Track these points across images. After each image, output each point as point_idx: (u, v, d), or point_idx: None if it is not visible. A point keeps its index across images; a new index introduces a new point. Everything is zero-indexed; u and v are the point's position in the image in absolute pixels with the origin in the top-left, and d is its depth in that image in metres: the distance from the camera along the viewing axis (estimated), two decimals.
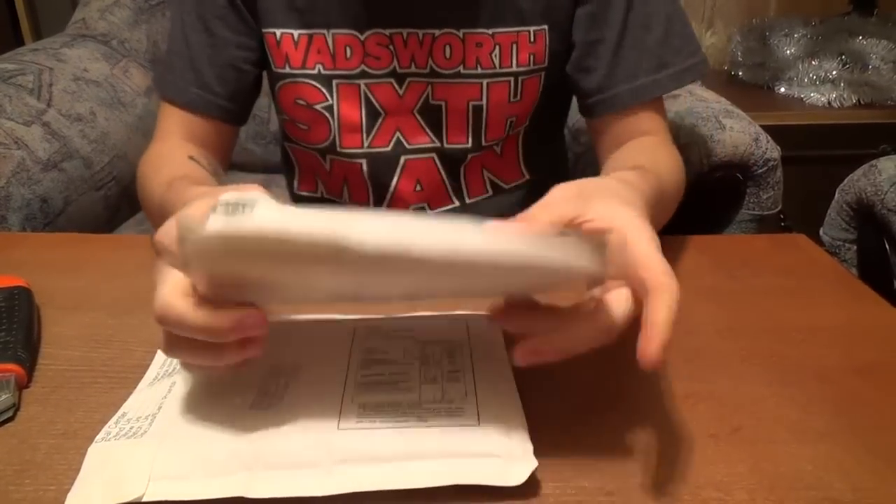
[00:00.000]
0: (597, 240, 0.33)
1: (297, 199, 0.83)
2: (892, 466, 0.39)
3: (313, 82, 0.69)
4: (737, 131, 0.81)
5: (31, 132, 0.94)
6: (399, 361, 0.45)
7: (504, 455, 0.37)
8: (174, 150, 0.68)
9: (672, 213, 0.62)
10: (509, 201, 0.77)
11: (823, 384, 0.46)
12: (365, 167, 0.73)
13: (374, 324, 0.49)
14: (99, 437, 0.39)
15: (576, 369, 0.41)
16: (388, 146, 0.72)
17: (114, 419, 0.40)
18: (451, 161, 0.73)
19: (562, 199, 0.40)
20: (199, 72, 0.68)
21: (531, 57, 0.68)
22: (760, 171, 0.79)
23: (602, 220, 0.38)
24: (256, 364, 0.39)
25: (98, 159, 1.04)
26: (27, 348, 0.46)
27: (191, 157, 0.65)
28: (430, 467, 0.37)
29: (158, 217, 0.58)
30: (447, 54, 0.67)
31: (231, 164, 1.46)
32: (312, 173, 0.77)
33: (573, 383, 0.45)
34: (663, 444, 0.40)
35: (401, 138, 0.72)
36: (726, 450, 0.40)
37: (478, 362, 0.45)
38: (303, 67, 0.68)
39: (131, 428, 0.39)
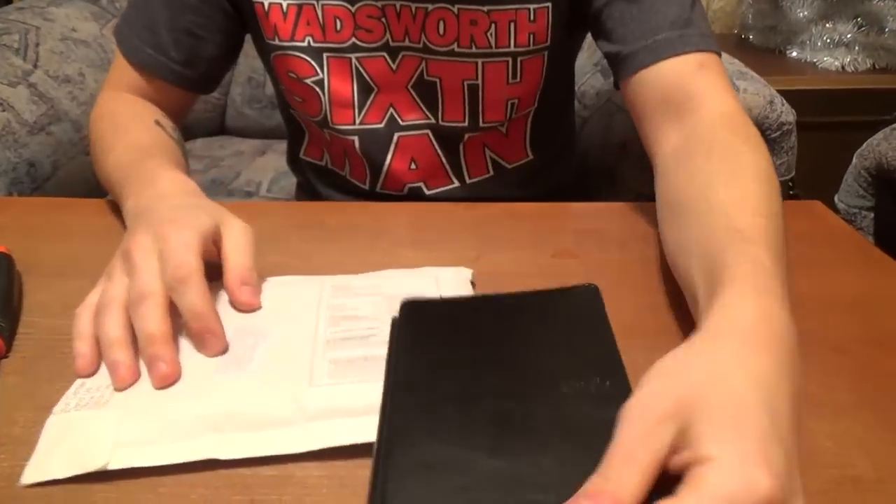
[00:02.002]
0: None
1: (301, 165, 0.80)
2: None
3: (303, 55, 0.65)
4: (751, 93, 0.78)
5: (17, 93, 0.91)
6: (369, 317, 0.44)
7: None
8: (137, 109, 0.65)
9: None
10: (511, 181, 0.74)
11: (841, 356, 0.44)
12: (357, 144, 0.70)
13: (342, 282, 0.48)
14: (57, 408, 0.37)
15: None
16: (381, 122, 0.69)
17: (72, 389, 0.39)
18: (448, 139, 0.70)
19: (653, 436, 0.28)
20: (155, 33, 0.64)
21: (531, 37, 0.63)
22: (774, 135, 0.76)
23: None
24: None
25: (88, 123, 1.00)
26: (6, 316, 0.44)
27: (157, 122, 0.63)
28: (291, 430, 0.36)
29: (118, 184, 0.56)
30: (440, 31, 0.63)
31: (230, 130, 1.44)
32: (319, 141, 0.74)
33: None
34: None
35: (394, 114, 0.69)
36: None
37: None
38: (292, 39, 0.65)
39: (91, 397, 0.38)
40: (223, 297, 0.45)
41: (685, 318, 0.46)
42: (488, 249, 0.56)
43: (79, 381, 0.39)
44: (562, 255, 0.56)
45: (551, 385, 0.34)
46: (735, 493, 0.26)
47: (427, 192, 0.73)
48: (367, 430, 0.35)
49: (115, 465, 0.34)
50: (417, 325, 0.40)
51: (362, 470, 0.35)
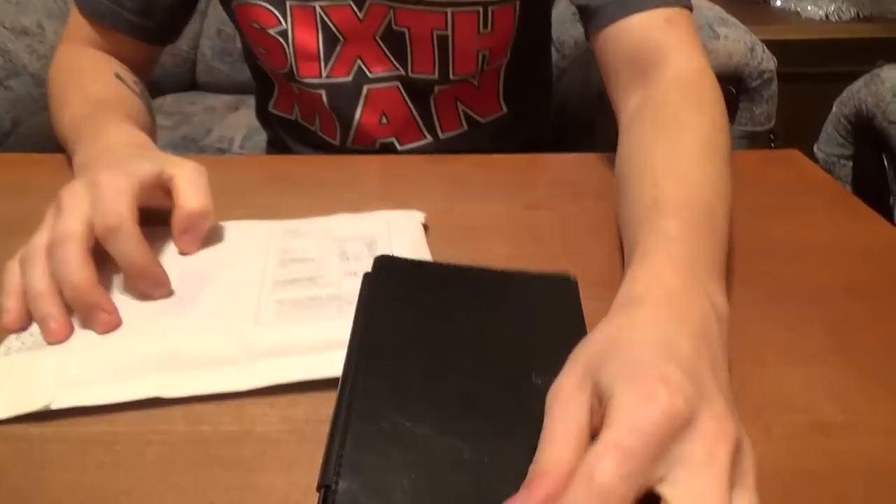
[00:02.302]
0: None
1: (271, 120, 0.77)
2: (885, 388, 0.36)
3: (265, 4, 0.62)
4: (731, 40, 0.76)
5: None
6: (317, 259, 0.44)
7: None
8: (97, 62, 0.62)
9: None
10: (486, 135, 0.72)
11: (814, 304, 0.43)
12: (325, 98, 0.67)
13: (291, 226, 0.48)
14: None
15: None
16: (348, 76, 0.66)
17: (13, 334, 0.38)
18: (418, 92, 0.68)
19: (569, 406, 0.28)
20: None
21: None
22: (755, 83, 0.75)
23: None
24: (165, 266, 0.40)
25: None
26: None
27: (117, 76, 0.60)
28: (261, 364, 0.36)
29: (70, 139, 0.53)
30: None
31: (201, 85, 1.40)
32: (289, 95, 0.72)
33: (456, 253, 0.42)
34: None
35: (362, 67, 0.66)
36: None
37: (398, 255, 0.44)
38: None
39: (35, 341, 0.37)
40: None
41: None
42: (460, 202, 0.55)
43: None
44: (535, 207, 0.55)
45: (522, 374, 0.33)
46: (637, 416, 0.25)
47: (399, 148, 0.71)
48: (314, 367, 0.36)
49: (58, 405, 0.34)
50: (390, 285, 0.38)
51: (324, 425, 0.34)
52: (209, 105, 1.25)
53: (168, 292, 0.40)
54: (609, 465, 0.24)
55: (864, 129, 0.72)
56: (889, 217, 0.53)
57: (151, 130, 0.60)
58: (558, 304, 0.39)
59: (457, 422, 0.30)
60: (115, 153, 0.46)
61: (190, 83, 1.34)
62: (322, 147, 0.73)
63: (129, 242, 0.38)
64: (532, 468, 0.26)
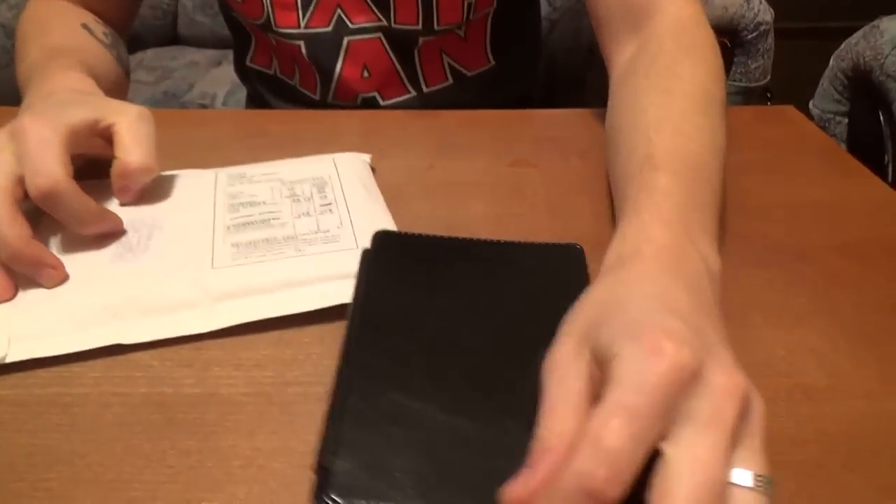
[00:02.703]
0: None
1: (249, 74, 0.74)
2: (871, 350, 0.35)
3: None
4: None
5: None
6: (268, 202, 0.43)
7: None
8: (66, 13, 0.59)
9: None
10: (472, 90, 0.69)
11: (804, 264, 0.42)
12: (304, 49, 0.64)
13: (237, 171, 0.47)
14: None
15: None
16: (328, 26, 0.63)
17: None
18: (401, 44, 0.65)
19: (567, 375, 0.26)
20: None
21: None
22: (750, 36, 0.72)
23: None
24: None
25: None
26: None
27: (84, 26, 0.57)
28: (314, 291, 0.36)
29: (23, 87, 0.50)
30: None
31: (183, 39, 1.35)
32: (267, 47, 0.69)
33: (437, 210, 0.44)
34: None
35: (343, 16, 0.63)
36: None
37: (349, 195, 0.44)
38: None
39: None
40: None
41: None
42: (442, 158, 0.53)
43: None
44: (519, 164, 0.53)
45: (530, 349, 0.30)
46: (642, 372, 0.24)
47: (382, 103, 0.68)
48: (276, 306, 0.35)
49: (13, 358, 0.33)
50: (390, 259, 0.37)
51: (291, 388, 0.33)
52: (191, 60, 1.21)
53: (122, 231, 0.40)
54: (617, 426, 0.22)
55: (861, 85, 0.69)
56: (883, 176, 0.51)
57: (117, 82, 0.57)
58: (566, 275, 0.37)
59: (461, 399, 0.29)
60: (53, 99, 0.43)
61: (171, 37, 1.30)
62: (302, 102, 0.70)
63: (68, 204, 0.37)
64: (534, 444, 0.25)
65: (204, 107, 1.06)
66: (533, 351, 0.31)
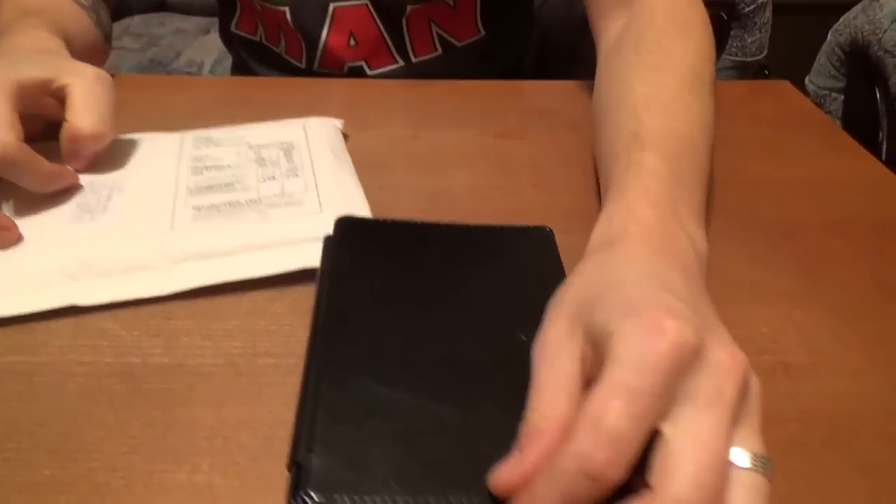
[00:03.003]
0: None
1: (234, 41, 0.72)
2: (855, 328, 0.35)
3: None
4: None
5: None
6: (233, 166, 0.43)
7: None
8: None
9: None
10: (462, 60, 0.68)
11: (792, 241, 0.41)
12: (289, 15, 0.62)
13: (203, 134, 0.46)
14: None
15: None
16: None
17: None
18: (389, 12, 0.63)
19: (559, 356, 0.26)
20: None
21: None
22: (748, 9, 0.70)
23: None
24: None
25: None
26: None
27: None
28: (275, 255, 0.36)
29: None
30: None
31: (171, 6, 1.33)
32: (252, 13, 0.67)
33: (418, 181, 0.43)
34: None
35: None
36: None
37: (317, 159, 0.43)
38: None
39: None
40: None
41: None
42: (427, 128, 0.52)
43: None
44: (506, 136, 0.52)
45: (505, 332, 0.30)
46: (643, 350, 0.23)
47: (369, 72, 0.67)
48: (236, 269, 0.35)
49: None
50: (354, 245, 0.35)
51: (262, 359, 0.32)
52: (179, 27, 1.18)
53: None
54: (618, 407, 0.22)
55: (858, 60, 0.68)
56: (877, 154, 0.50)
57: (94, 46, 0.56)
58: (537, 257, 0.36)
59: (437, 385, 0.28)
60: (11, 57, 0.42)
61: (159, 3, 1.27)
62: (288, 70, 0.68)
63: (20, 168, 0.36)
64: (523, 426, 0.24)
65: (191, 75, 1.03)
66: (510, 333, 0.30)
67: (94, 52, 0.56)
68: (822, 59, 0.75)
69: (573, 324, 0.26)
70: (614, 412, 0.22)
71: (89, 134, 0.39)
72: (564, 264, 0.34)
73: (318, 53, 0.65)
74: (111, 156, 0.42)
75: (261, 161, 0.43)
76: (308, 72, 0.67)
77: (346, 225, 0.36)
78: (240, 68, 0.75)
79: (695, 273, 0.30)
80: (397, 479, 0.24)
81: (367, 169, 0.45)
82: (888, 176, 0.48)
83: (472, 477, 0.24)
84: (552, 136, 0.52)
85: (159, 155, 0.44)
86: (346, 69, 0.66)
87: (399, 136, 0.51)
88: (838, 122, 0.78)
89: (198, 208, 0.39)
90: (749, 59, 0.68)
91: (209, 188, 0.40)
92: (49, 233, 0.37)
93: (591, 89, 0.58)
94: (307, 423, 0.26)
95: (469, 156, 0.49)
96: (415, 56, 0.67)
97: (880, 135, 0.66)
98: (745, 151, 0.50)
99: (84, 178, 0.40)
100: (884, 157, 0.68)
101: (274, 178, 0.41)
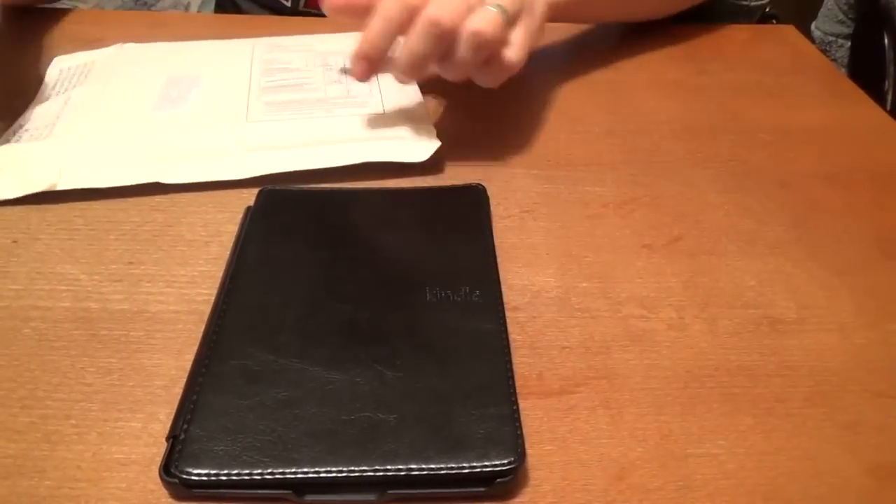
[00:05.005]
0: None
1: None
2: (847, 283, 0.33)
3: None
4: None
5: None
6: (302, 69, 0.46)
7: (408, 137, 0.39)
8: None
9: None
10: None
11: (786, 191, 0.39)
12: None
13: (274, 41, 0.50)
14: None
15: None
16: None
17: (10, 129, 0.40)
18: None
19: None
20: None
21: None
22: None
23: None
24: (152, 74, 0.44)
25: None
26: None
27: None
28: (341, 149, 0.38)
29: None
30: None
31: None
32: None
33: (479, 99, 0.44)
34: (584, 254, 0.34)
35: None
36: (659, 262, 0.34)
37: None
38: None
39: (31, 135, 0.39)
40: (162, 48, 0.48)
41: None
42: None
43: (16, 123, 0.40)
44: None
45: (415, 292, 0.29)
46: None
47: None
48: (304, 160, 0.37)
49: (63, 186, 0.35)
50: (273, 215, 0.34)
51: None
52: None
53: None
54: None
55: (866, 4, 0.65)
56: (882, 103, 0.48)
57: None
58: (464, 217, 0.35)
59: (335, 352, 0.27)
60: None
61: None
62: (273, 9, 0.65)
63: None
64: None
65: None
66: (423, 294, 0.29)
67: None
68: (829, 3, 0.71)
69: None
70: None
71: None
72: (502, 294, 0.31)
73: None
74: (190, 56, 0.47)
75: (327, 66, 0.46)
76: (294, 11, 0.64)
77: (269, 195, 0.35)
78: (223, 5, 0.72)
79: None
80: (273, 447, 0.23)
81: None
82: (891, 125, 0.46)
83: (353, 444, 0.23)
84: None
85: (234, 56, 0.47)
86: None
87: None
88: (844, 70, 0.75)
89: (270, 104, 0.42)
90: (753, 3, 0.64)
91: (280, 87, 0.44)
92: (134, 118, 0.40)
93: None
94: (191, 394, 0.25)
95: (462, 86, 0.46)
96: None
97: (886, 83, 0.63)
98: (745, 98, 0.48)
99: (164, 74, 0.44)
100: (889, 107, 0.66)
101: (339, 81, 0.44)
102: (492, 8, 0.35)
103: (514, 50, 0.36)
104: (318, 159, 0.37)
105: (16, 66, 0.48)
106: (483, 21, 0.34)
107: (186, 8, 1.02)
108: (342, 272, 0.31)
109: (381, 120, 0.41)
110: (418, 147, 0.38)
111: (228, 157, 0.38)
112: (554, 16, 0.41)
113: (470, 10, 0.34)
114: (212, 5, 1.01)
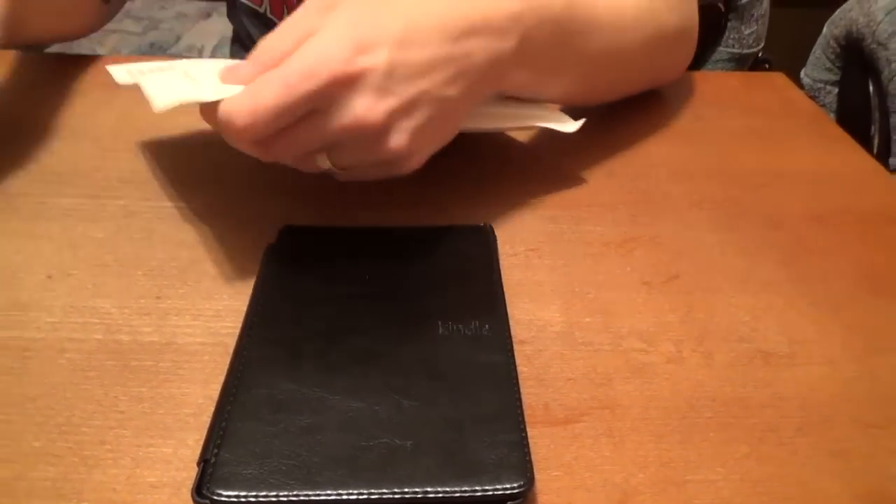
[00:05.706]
0: None
1: (238, 11, 0.73)
2: (836, 319, 0.35)
3: None
4: None
5: None
6: None
7: (554, 114, 0.44)
8: None
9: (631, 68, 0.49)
10: None
11: (776, 231, 0.41)
12: None
13: None
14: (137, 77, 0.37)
15: None
16: None
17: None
18: None
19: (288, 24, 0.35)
20: None
21: None
22: (744, 0, 0.70)
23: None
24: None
25: None
26: None
27: None
28: (501, 112, 0.42)
29: None
30: None
31: None
32: None
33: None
34: (587, 290, 0.36)
35: None
36: (658, 298, 0.36)
37: None
38: None
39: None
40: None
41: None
42: None
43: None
44: None
45: (428, 326, 0.31)
46: (315, 65, 0.31)
47: None
48: (471, 120, 0.39)
49: (161, 105, 0.33)
50: (293, 253, 0.36)
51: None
52: (180, 11, 1.18)
53: None
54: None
55: (853, 53, 0.68)
56: (869, 148, 0.50)
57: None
58: (473, 255, 0.37)
59: (354, 382, 0.28)
60: None
61: None
62: None
63: None
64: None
65: None
66: (435, 328, 0.31)
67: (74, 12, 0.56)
68: (817, 51, 0.75)
69: (307, 15, 0.34)
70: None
71: None
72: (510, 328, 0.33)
73: None
74: None
75: None
76: None
77: (289, 233, 0.37)
78: (241, 42, 0.75)
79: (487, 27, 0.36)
80: (298, 471, 0.25)
81: None
82: (877, 169, 0.48)
83: (373, 467, 0.25)
84: None
85: None
86: None
87: None
88: (832, 115, 0.78)
89: None
90: (746, 50, 0.68)
91: None
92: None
93: None
94: (219, 421, 0.27)
95: None
96: None
97: (872, 128, 0.66)
98: (737, 143, 0.51)
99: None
100: (875, 151, 0.68)
101: None
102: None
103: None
104: (482, 121, 0.40)
105: (46, 108, 0.50)
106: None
107: (200, 51, 1.06)
108: (359, 307, 0.33)
109: (521, 102, 0.43)
110: (565, 121, 0.43)
111: None
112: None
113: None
114: (226, 48, 1.05)
